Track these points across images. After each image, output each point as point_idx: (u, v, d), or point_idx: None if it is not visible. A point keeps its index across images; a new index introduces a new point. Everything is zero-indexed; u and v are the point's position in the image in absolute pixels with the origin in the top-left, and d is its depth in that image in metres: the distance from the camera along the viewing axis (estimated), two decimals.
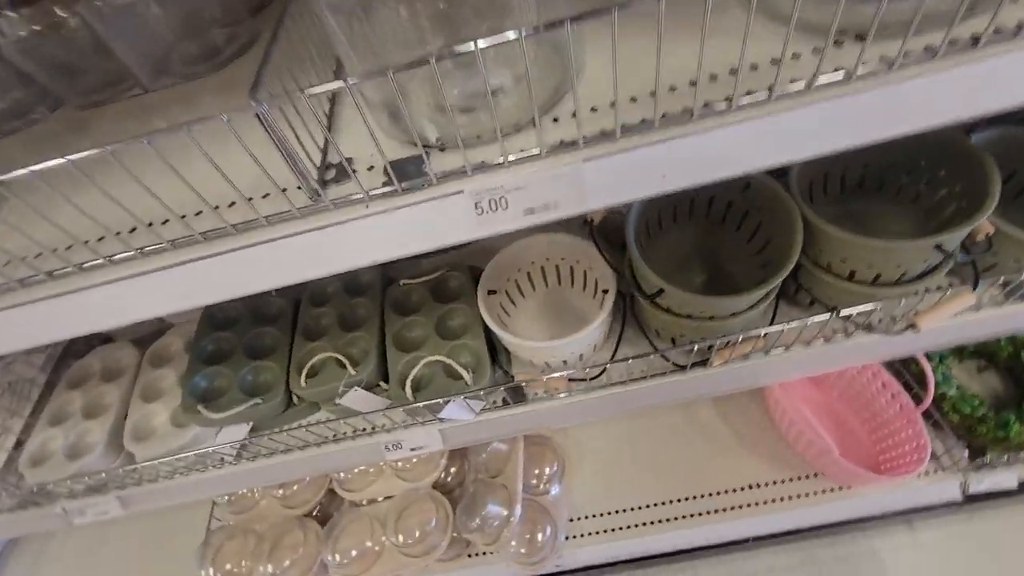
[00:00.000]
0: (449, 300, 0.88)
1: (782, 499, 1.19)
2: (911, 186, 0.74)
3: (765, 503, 1.20)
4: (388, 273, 1.00)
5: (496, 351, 0.84)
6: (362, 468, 1.20)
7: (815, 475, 1.20)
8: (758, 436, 1.28)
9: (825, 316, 0.69)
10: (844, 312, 0.69)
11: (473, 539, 1.12)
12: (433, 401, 0.74)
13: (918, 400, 1.05)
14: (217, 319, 0.95)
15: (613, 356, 0.80)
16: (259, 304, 0.96)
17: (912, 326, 0.68)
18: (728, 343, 0.74)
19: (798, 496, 1.19)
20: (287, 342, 0.90)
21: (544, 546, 1.15)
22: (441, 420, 0.82)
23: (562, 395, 0.81)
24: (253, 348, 0.91)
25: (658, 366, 0.80)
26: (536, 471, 1.26)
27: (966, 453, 1.04)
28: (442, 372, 0.81)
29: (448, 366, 0.80)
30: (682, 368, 0.79)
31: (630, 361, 0.71)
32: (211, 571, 1.15)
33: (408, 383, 0.79)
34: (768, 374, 0.83)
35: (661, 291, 0.66)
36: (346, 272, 0.48)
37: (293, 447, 0.87)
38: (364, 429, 0.86)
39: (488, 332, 0.84)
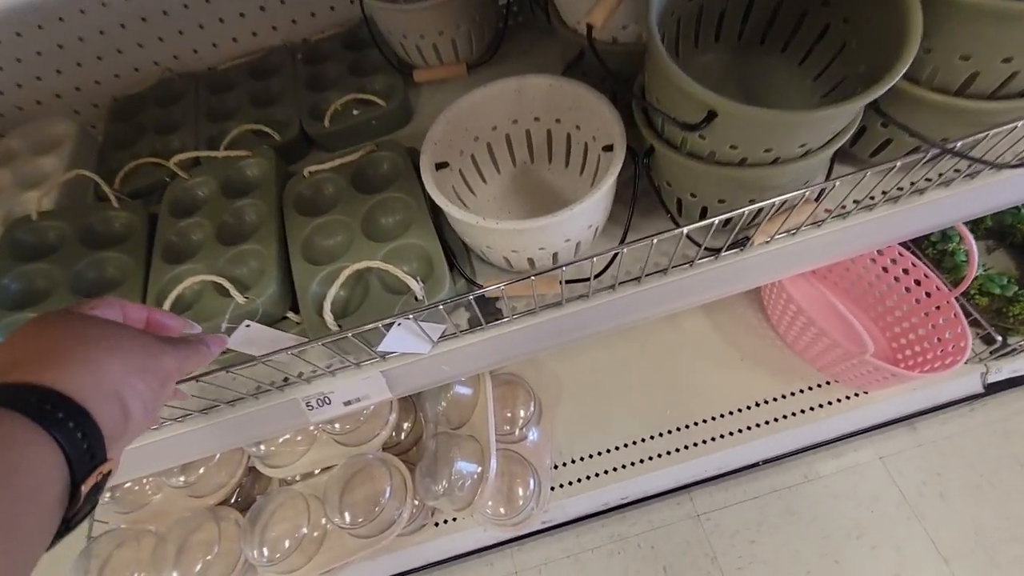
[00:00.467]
0: (379, 189, 0.61)
1: (785, 416, 1.05)
2: None
3: (768, 423, 1.05)
4: (288, 165, 0.71)
5: (454, 255, 0.59)
6: (288, 436, 0.94)
7: (825, 384, 1.06)
8: (757, 346, 1.12)
9: (919, 156, 0.49)
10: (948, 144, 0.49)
11: (440, 505, 0.90)
12: (369, 325, 0.48)
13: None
14: (25, 245, 0.63)
15: (623, 239, 0.57)
16: (93, 221, 0.65)
17: None
18: (784, 205, 0.52)
19: (805, 411, 1.04)
20: (141, 269, 0.61)
21: (527, 502, 0.95)
22: (384, 357, 0.57)
23: (553, 304, 0.57)
24: (87, 282, 0.61)
25: (680, 256, 0.58)
26: (508, 415, 1.04)
27: (1000, 339, 0.91)
28: (378, 286, 0.55)
29: (385, 276, 0.55)
30: (715, 252, 0.57)
31: (655, 240, 0.49)
32: None
33: (327, 306, 0.52)
34: (812, 256, 0.63)
35: (711, 116, 0.42)
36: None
37: (166, 419, 0.59)
38: (273, 382, 0.59)
39: (441, 229, 0.59)
